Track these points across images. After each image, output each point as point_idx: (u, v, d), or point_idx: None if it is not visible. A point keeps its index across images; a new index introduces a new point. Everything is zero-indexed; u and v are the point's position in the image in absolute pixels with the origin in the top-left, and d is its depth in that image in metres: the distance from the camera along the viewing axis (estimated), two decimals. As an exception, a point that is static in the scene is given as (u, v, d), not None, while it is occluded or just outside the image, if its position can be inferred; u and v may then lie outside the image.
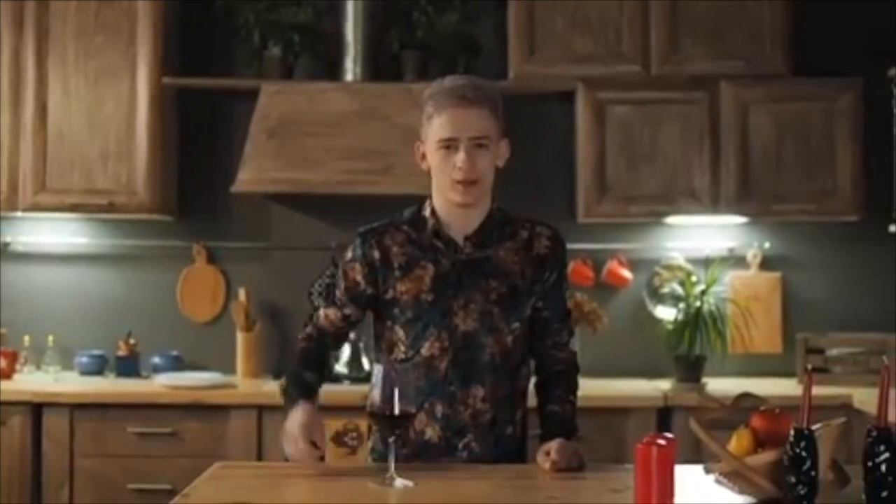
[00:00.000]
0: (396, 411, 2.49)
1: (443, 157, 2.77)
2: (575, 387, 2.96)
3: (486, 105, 2.78)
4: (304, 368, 2.88)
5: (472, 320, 2.80)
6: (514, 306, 2.84)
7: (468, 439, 2.82)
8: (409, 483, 2.47)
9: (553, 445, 2.72)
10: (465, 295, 2.81)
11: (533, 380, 2.99)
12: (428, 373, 2.80)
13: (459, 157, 2.74)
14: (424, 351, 2.81)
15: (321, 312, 2.98)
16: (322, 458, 2.70)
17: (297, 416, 2.70)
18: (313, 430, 2.67)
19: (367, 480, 2.50)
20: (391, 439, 2.53)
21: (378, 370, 2.53)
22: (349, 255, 2.92)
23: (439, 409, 2.81)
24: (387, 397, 2.49)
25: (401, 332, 2.85)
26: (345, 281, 2.91)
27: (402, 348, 2.85)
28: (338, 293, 2.94)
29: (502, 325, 2.83)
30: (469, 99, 2.75)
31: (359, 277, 2.88)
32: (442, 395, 2.81)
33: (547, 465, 2.69)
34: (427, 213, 2.88)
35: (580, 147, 5.04)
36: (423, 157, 2.86)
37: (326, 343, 2.98)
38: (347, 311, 2.93)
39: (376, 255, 2.86)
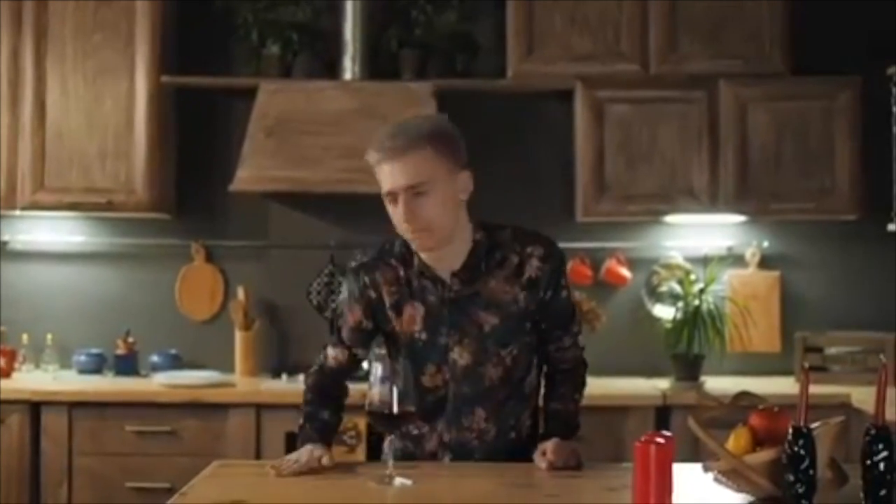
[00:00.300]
0: (395, 410, 2.49)
1: (392, 210, 2.71)
2: (581, 385, 2.97)
3: (419, 149, 2.65)
4: (320, 406, 2.88)
5: (469, 353, 2.80)
6: (511, 334, 2.82)
7: (476, 456, 2.84)
8: (408, 482, 2.47)
9: (549, 445, 2.72)
10: (458, 331, 2.79)
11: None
12: (435, 401, 2.81)
13: (399, 210, 2.68)
14: (427, 382, 2.80)
15: (329, 353, 2.93)
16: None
17: (309, 452, 2.74)
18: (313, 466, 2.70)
19: (365, 479, 2.50)
20: (390, 438, 2.53)
21: (376, 369, 2.53)
22: (344, 293, 2.90)
23: (447, 437, 2.84)
24: (385, 396, 2.49)
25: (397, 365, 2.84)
26: (350, 321, 2.88)
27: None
28: (344, 333, 2.90)
29: (500, 352, 2.82)
30: (399, 149, 2.64)
31: (359, 316, 2.87)
32: (448, 422, 2.83)
33: (543, 465, 2.69)
34: (414, 247, 2.79)
35: (579, 146, 5.04)
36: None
37: (339, 381, 2.95)
38: (356, 350, 2.92)
39: (372, 293, 2.84)
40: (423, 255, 2.78)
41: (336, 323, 2.93)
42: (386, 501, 2.41)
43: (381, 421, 2.54)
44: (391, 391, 2.49)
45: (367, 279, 2.84)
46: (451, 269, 2.78)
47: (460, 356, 2.79)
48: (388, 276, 2.82)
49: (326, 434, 2.83)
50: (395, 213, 2.70)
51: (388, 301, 2.81)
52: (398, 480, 2.47)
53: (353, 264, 2.88)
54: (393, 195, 2.67)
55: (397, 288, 2.81)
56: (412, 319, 2.80)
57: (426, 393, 2.79)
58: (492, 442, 2.85)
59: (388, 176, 2.66)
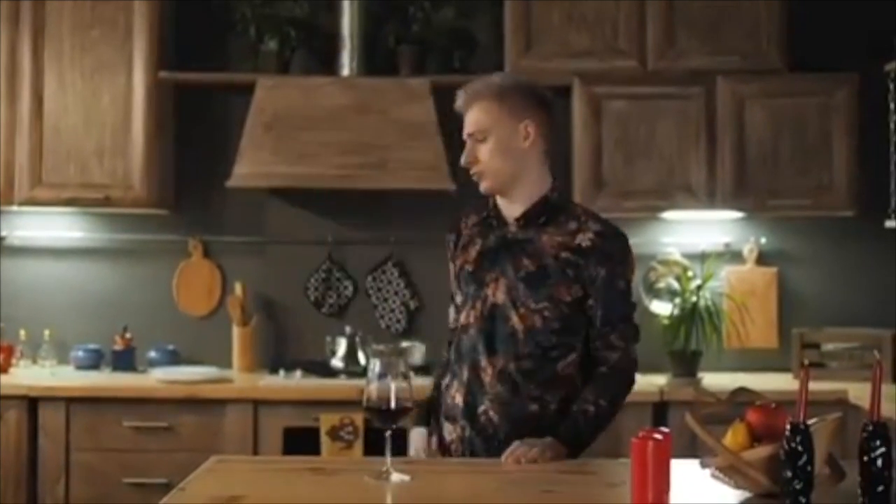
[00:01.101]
0: (393, 405, 2.50)
1: None
2: (606, 391, 2.93)
3: (480, 101, 2.97)
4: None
5: (502, 293, 2.94)
6: (541, 285, 2.91)
7: (486, 406, 2.92)
8: (406, 478, 2.47)
9: (516, 443, 2.77)
10: (498, 269, 2.96)
11: None
12: (465, 339, 2.98)
13: (463, 153, 2.99)
14: (463, 319, 2.99)
15: (450, 316, 3.15)
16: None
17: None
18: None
19: (363, 475, 2.50)
20: (387, 434, 2.53)
21: (374, 364, 2.53)
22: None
23: (465, 375, 2.95)
24: (383, 391, 2.49)
25: (456, 301, 3.08)
26: (452, 269, 3.13)
27: (453, 316, 3.09)
28: (452, 285, 3.14)
29: (528, 302, 2.91)
30: (466, 101, 2.99)
31: (451, 264, 3.12)
32: (469, 361, 2.95)
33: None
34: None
35: (576, 142, 5.04)
36: None
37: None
38: (458, 298, 3.09)
39: (454, 237, 3.12)
40: (498, 199, 3.03)
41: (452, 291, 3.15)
42: (383, 497, 2.41)
43: (379, 416, 2.54)
44: (389, 387, 2.50)
45: (456, 222, 3.13)
46: (515, 215, 3.01)
47: (493, 293, 2.95)
48: (470, 221, 3.10)
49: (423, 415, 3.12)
50: None
51: (463, 237, 3.08)
52: (396, 476, 2.47)
53: None
54: (465, 142, 3.01)
55: (472, 229, 3.08)
56: (470, 254, 3.03)
57: (461, 330, 3.00)
58: (506, 397, 2.90)
59: (464, 122, 3.01)
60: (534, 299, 2.91)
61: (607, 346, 2.96)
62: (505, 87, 3.00)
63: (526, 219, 2.98)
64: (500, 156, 2.95)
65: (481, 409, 2.92)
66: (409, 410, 2.57)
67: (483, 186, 2.98)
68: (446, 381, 3.03)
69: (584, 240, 2.93)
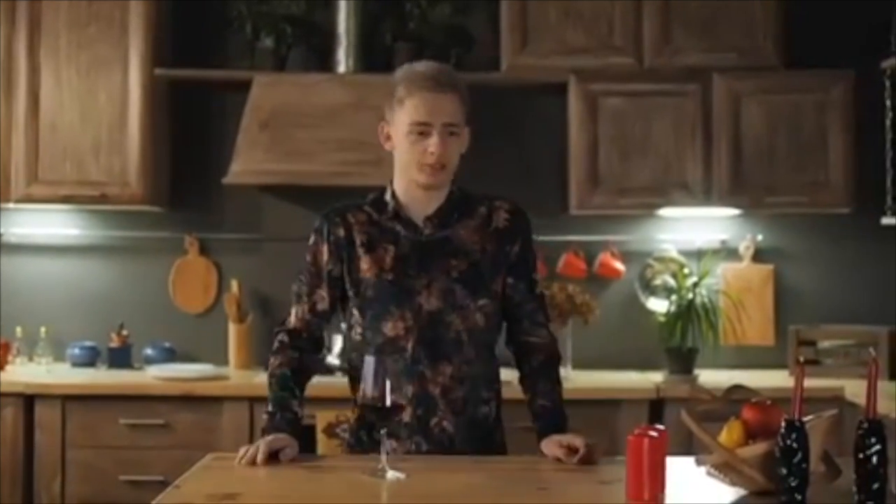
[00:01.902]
0: (388, 403, 2.50)
1: (413, 141, 2.79)
2: (559, 377, 2.93)
3: (457, 91, 2.80)
4: (290, 392, 2.83)
5: (436, 299, 2.81)
6: (478, 283, 2.84)
7: (439, 417, 2.82)
8: (401, 475, 2.47)
9: (579, 443, 2.70)
10: (427, 275, 2.82)
11: (516, 374, 2.98)
12: (394, 353, 2.79)
13: (433, 141, 2.77)
14: (388, 331, 2.82)
15: (291, 313, 2.97)
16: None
17: (275, 441, 2.68)
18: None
19: (359, 472, 2.50)
20: (382, 431, 2.53)
21: (368, 362, 2.53)
22: (313, 238, 2.92)
23: (409, 389, 2.81)
24: (378, 389, 2.49)
25: (357, 314, 2.87)
26: (313, 266, 2.91)
27: (359, 330, 2.87)
28: (304, 287, 2.93)
29: (468, 303, 2.82)
30: (443, 84, 2.79)
31: (326, 257, 2.89)
32: (411, 374, 2.81)
33: (574, 460, 2.67)
34: (388, 196, 2.90)
35: (572, 139, 5.04)
36: (388, 137, 2.89)
37: (309, 343, 2.94)
38: (314, 298, 2.92)
39: (341, 232, 2.88)
40: (404, 198, 2.87)
41: (298, 286, 2.95)
42: (379, 494, 2.41)
43: (374, 414, 2.54)
44: (384, 385, 2.50)
45: (337, 219, 2.90)
46: (425, 214, 2.86)
47: (427, 301, 2.81)
48: (359, 218, 2.88)
49: (296, 426, 2.78)
50: (417, 145, 2.78)
51: (358, 240, 2.86)
52: (391, 473, 2.47)
53: (325, 211, 2.94)
54: (426, 127, 2.77)
55: (369, 229, 2.87)
56: (382, 260, 2.83)
57: (388, 346, 2.80)
58: (461, 407, 2.83)
59: (428, 108, 2.77)
60: (472, 298, 2.82)
61: (535, 323, 2.93)
62: (463, 86, 2.85)
63: (439, 217, 2.86)
64: (457, 155, 2.84)
65: (433, 421, 2.82)
66: (404, 408, 2.57)
67: (433, 181, 2.80)
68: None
69: (499, 221, 2.89)
